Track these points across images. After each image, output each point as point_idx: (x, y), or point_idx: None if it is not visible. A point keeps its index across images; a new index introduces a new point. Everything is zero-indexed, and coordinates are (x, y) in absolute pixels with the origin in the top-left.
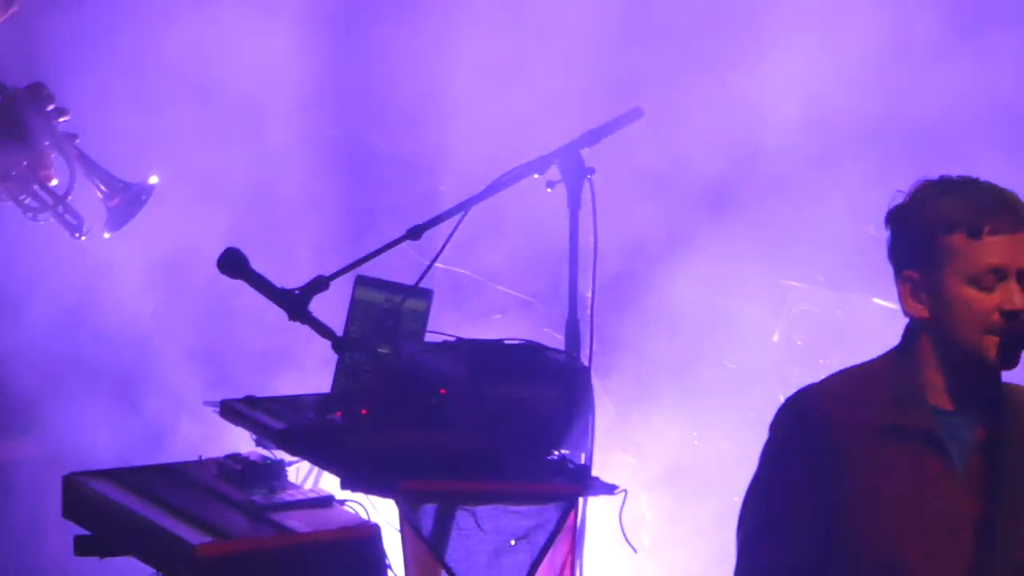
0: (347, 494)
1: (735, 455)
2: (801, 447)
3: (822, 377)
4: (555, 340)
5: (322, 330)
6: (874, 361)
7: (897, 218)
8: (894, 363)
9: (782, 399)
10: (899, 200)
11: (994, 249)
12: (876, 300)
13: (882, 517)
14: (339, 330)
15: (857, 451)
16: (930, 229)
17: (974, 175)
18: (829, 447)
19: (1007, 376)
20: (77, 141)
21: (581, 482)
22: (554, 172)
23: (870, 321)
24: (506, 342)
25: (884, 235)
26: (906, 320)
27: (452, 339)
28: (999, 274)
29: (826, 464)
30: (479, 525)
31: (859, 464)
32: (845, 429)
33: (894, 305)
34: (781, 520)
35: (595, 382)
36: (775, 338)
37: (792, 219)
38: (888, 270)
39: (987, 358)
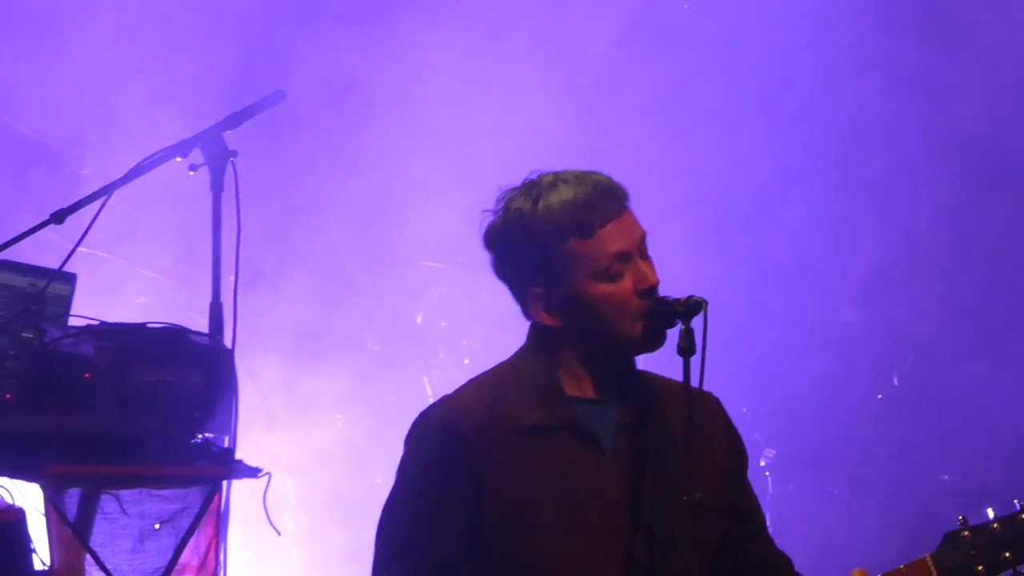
0: None
1: (379, 437)
2: (439, 460)
3: (464, 360)
4: (198, 323)
5: None
6: (505, 364)
7: (498, 239)
8: (526, 362)
9: (426, 381)
10: (491, 219)
11: (610, 239)
12: None
13: (534, 515)
14: None
15: (500, 456)
16: (541, 243)
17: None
18: (470, 456)
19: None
20: None
21: (225, 465)
22: (197, 155)
23: (514, 302)
24: (149, 326)
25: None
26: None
27: (96, 323)
28: (623, 259)
29: (467, 474)
30: (123, 509)
31: (503, 468)
32: (484, 436)
33: None
34: (423, 535)
35: (239, 365)
36: (419, 320)
37: (433, 199)
38: None
39: (635, 342)
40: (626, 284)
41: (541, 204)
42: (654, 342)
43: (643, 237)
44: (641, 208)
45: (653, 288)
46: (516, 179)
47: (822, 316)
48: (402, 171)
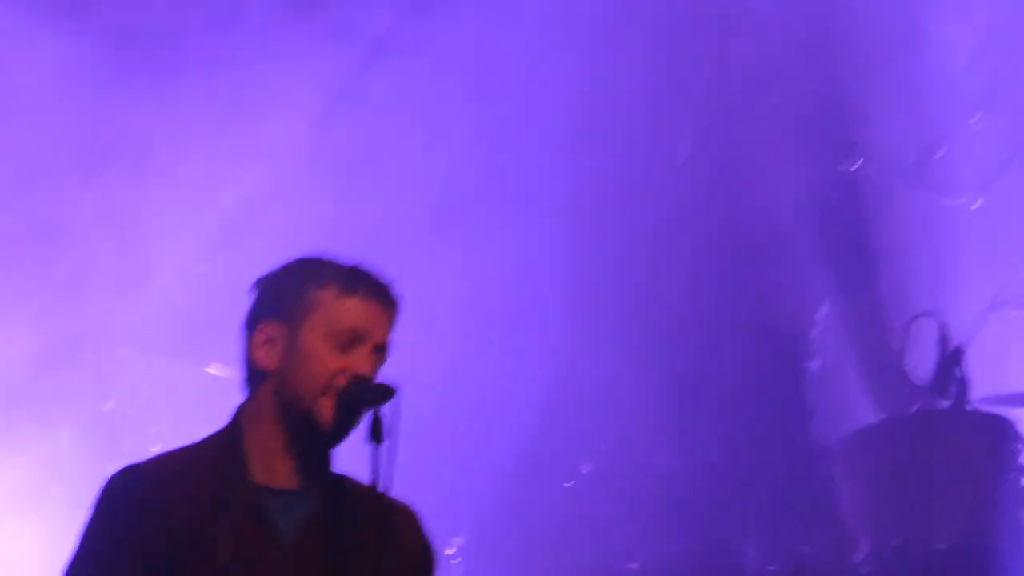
0: None
1: (69, 525)
2: (122, 526)
3: (152, 448)
4: None
5: None
6: (201, 441)
7: (268, 277)
8: (220, 442)
9: (113, 469)
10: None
11: (361, 312)
12: (208, 369)
13: None
14: None
15: (181, 529)
16: (302, 283)
17: None
18: (152, 525)
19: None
20: None
21: None
22: None
23: (201, 390)
24: None
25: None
26: (238, 399)
27: None
28: (357, 338)
29: (148, 543)
30: None
31: (183, 542)
32: (165, 508)
33: (225, 374)
34: None
35: None
36: (107, 407)
37: (128, 284)
38: (225, 339)
39: (322, 421)
40: (344, 360)
41: (322, 260)
42: (340, 428)
43: (385, 345)
44: None
45: (364, 379)
46: (215, 267)
47: (514, 394)
48: (92, 256)
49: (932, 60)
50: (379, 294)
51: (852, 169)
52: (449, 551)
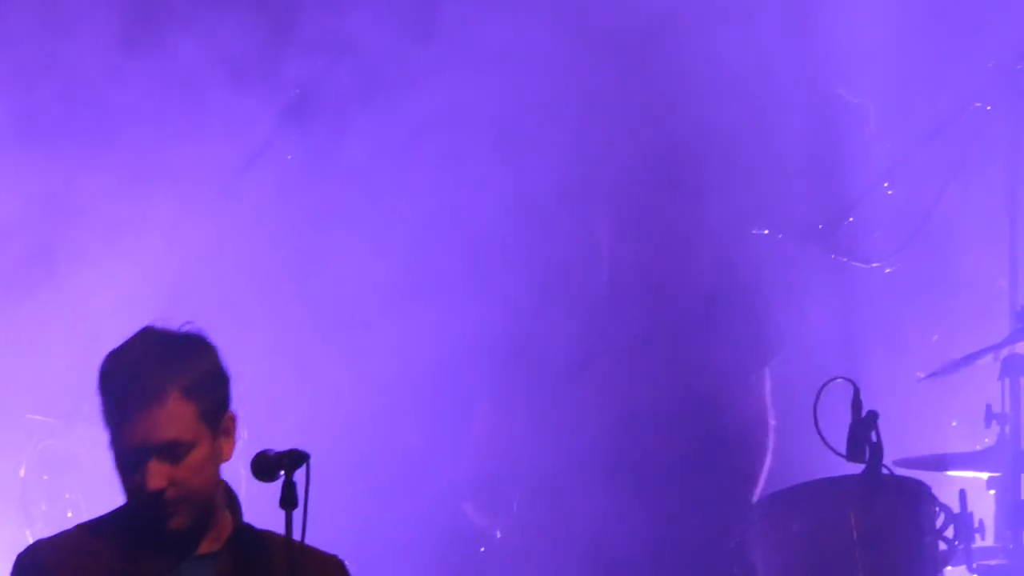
0: None
1: None
2: None
3: (67, 513)
4: None
5: None
6: (113, 512)
7: None
8: (131, 511)
9: (29, 535)
10: None
11: (124, 431)
12: None
13: None
14: None
15: None
16: (101, 407)
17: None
18: None
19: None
20: None
21: None
22: None
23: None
24: None
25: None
26: None
27: None
28: (138, 454)
29: None
30: None
31: None
32: None
33: None
34: None
35: None
36: (22, 473)
37: (42, 350)
38: None
39: (166, 528)
40: (137, 478)
41: (102, 372)
42: (175, 528)
43: (169, 441)
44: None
45: (150, 494)
46: (117, 335)
47: (440, 461)
48: (5, 321)
49: (840, 126)
50: (136, 402)
51: (763, 233)
52: None
